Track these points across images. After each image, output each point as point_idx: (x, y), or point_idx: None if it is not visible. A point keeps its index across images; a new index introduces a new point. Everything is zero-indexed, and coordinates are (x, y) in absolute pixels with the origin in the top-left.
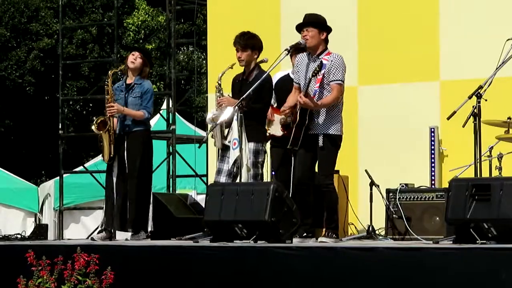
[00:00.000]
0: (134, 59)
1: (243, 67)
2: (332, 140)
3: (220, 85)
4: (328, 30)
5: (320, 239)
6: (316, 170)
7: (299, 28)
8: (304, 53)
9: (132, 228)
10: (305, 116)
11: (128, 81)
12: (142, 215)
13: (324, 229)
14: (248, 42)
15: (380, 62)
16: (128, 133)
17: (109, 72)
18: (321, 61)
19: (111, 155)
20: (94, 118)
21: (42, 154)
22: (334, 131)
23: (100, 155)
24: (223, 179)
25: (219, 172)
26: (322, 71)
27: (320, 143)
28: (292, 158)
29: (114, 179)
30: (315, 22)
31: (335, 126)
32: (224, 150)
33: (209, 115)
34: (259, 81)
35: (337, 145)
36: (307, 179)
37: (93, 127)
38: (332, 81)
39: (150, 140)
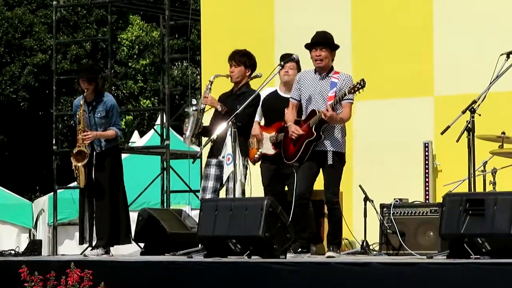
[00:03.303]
0: (86, 86)
1: (233, 83)
2: (340, 158)
3: (211, 83)
4: (337, 48)
5: (327, 254)
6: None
7: (310, 46)
8: (307, 70)
9: (104, 246)
10: (319, 131)
11: (88, 99)
12: (114, 233)
13: (326, 244)
14: (243, 59)
15: (374, 77)
16: (99, 152)
17: (81, 101)
18: (333, 81)
19: (86, 181)
20: (74, 150)
21: (36, 170)
22: (342, 149)
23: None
24: (208, 196)
25: (204, 189)
26: (334, 89)
27: (330, 160)
28: (293, 173)
29: (86, 198)
30: (328, 43)
31: (342, 144)
32: (207, 167)
33: (191, 108)
34: (251, 98)
35: (344, 163)
36: (309, 193)
37: (72, 161)
38: (344, 99)
39: (120, 155)
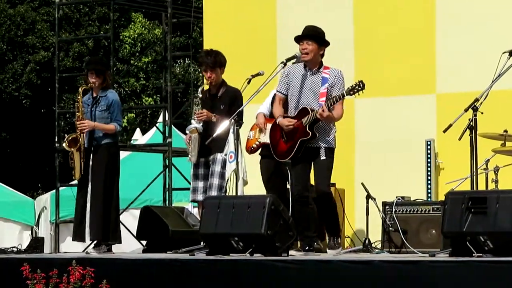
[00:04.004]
0: (93, 80)
1: (209, 84)
2: (331, 153)
3: (199, 98)
4: (327, 44)
5: (329, 251)
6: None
7: (298, 39)
8: (297, 64)
9: (94, 240)
10: (313, 130)
11: (94, 94)
12: (105, 228)
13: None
14: (216, 60)
15: (376, 75)
16: (96, 146)
17: (79, 89)
18: (324, 76)
19: (82, 173)
20: (66, 135)
21: (39, 167)
22: (333, 145)
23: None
24: (200, 197)
25: (194, 190)
26: (326, 85)
27: (323, 156)
28: (288, 171)
29: (82, 193)
30: (315, 36)
31: (333, 139)
32: (196, 167)
33: (190, 126)
34: (253, 95)
35: (333, 157)
36: (307, 191)
37: (64, 145)
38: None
39: (118, 151)
